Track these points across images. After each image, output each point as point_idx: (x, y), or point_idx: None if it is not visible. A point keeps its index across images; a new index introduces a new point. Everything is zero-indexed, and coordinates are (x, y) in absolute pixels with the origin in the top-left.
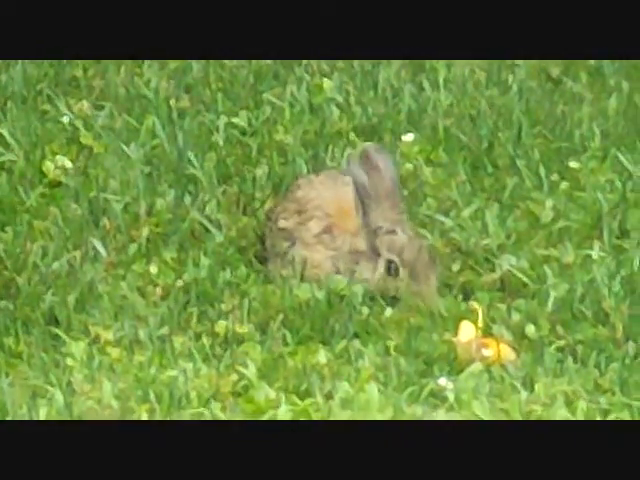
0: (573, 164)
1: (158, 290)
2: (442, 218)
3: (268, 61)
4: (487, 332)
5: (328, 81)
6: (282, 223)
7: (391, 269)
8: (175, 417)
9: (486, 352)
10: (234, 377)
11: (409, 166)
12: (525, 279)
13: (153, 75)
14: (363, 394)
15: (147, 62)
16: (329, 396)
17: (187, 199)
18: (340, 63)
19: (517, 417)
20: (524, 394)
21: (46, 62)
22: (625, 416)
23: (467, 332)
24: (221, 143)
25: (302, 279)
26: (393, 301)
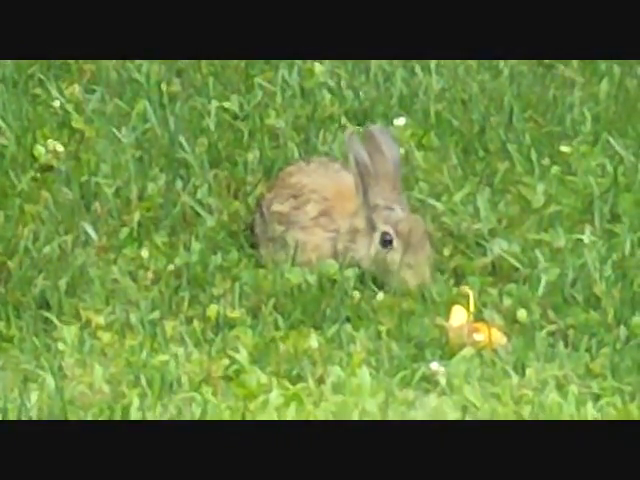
0: (564, 148)
1: (149, 274)
2: (434, 202)
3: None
4: (478, 316)
5: (320, 65)
6: (276, 207)
7: (386, 240)
8: (166, 401)
9: (477, 337)
10: (225, 361)
11: (401, 150)
12: (516, 263)
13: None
14: (355, 378)
15: None
16: (321, 380)
17: (178, 183)
18: None
19: (508, 401)
20: (515, 378)
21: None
22: (616, 401)
23: (458, 317)
24: (212, 127)
25: (296, 263)
26: (385, 285)
